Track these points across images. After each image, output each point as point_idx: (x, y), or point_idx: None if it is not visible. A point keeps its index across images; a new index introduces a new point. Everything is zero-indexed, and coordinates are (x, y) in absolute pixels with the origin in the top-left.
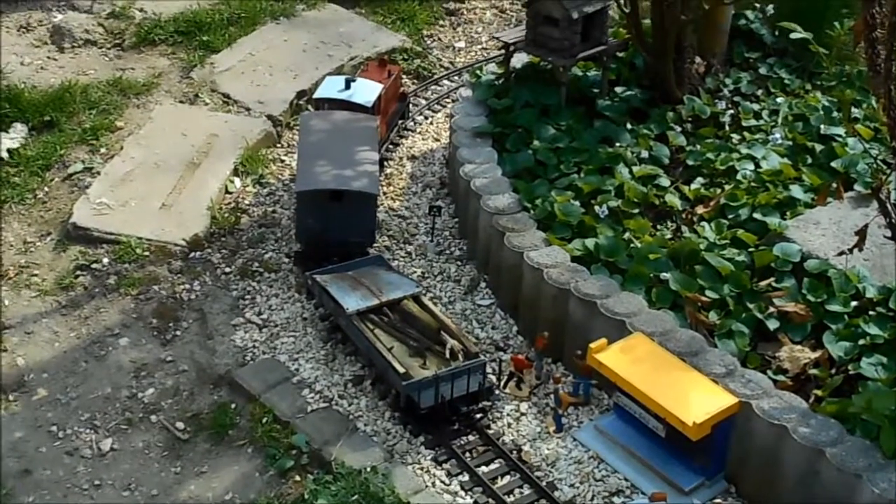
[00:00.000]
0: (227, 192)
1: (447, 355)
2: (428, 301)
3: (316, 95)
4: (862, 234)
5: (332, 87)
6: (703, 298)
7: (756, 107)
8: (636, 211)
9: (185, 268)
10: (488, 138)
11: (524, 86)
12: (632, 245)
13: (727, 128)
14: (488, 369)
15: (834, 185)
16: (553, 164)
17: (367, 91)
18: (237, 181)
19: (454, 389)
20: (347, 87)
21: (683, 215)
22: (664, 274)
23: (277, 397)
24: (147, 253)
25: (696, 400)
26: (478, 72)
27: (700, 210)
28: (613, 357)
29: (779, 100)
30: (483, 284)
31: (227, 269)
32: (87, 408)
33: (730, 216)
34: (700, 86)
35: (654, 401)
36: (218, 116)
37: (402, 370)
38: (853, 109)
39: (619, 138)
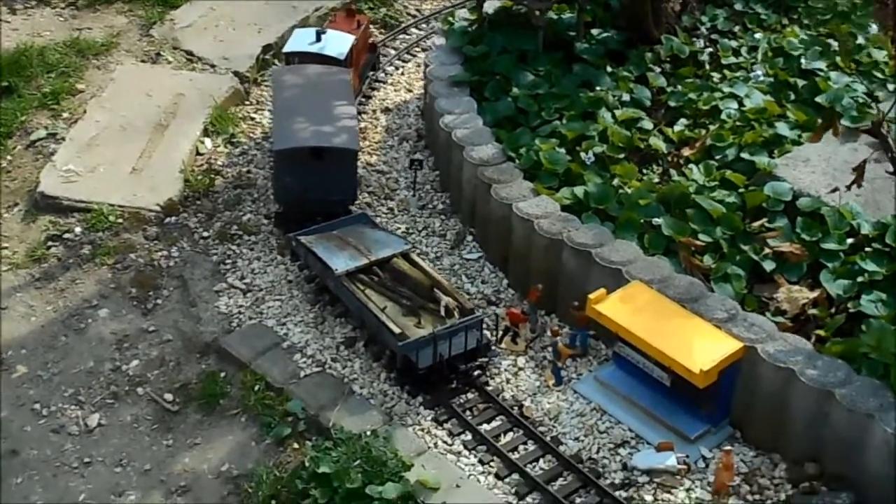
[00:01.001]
0: (198, 153)
1: (442, 313)
2: (418, 258)
3: (286, 49)
4: (860, 170)
5: (302, 40)
6: (697, 242)
7: (734, 44)
8: (622, 156)
9: (162, 234)
10: (466, 87)
11: (499, 31)
12: (621, 191)
13: (707, 66)
14: (484, 325)
15: (821, 120)
16: (534, 111)
17: (338, 43)
18: (208, 142)
19: (452, 347)
20: (318, 39)
21: (669, 158)
22: (656, 219)
23: (268, 363)
24: (120, 220)
25: (701, 347)
26: (450, 18)
27: (686, 152)
28: (613, 307)
29: (757, 35)
30: (469, 238)
31: (205, 234)
32: (71, 383)
33: (717, 157)
34: (676, 24)
35: (659, 350)
36: (182, 75)
37: (397, 330)
38: (831, 42)
39: (599, 82)
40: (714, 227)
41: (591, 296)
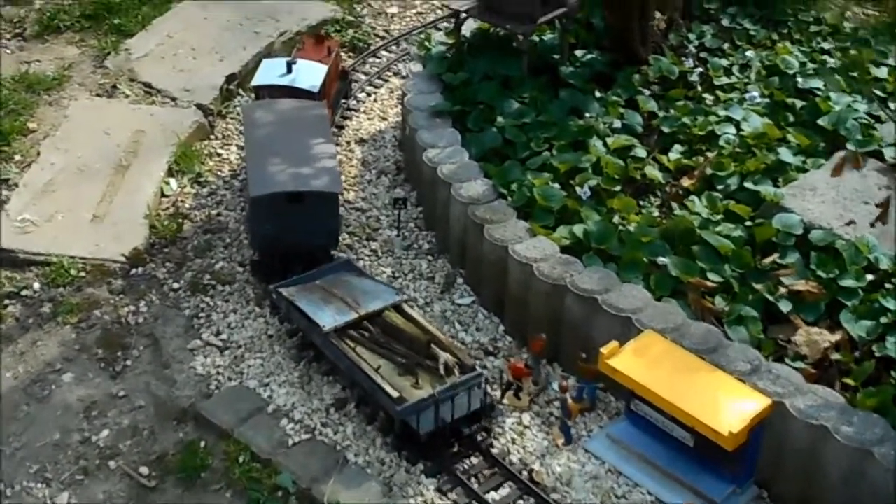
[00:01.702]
0: (163, 195)
1: (441, 371)
2: (411, 309)
3: (255, 83)
4: (885, 206)
5: (271, 72)
6: (708, 283)
7: (725, 62)
8: (618, 188)
9: (128, 287)
10: (447, 117)
11: (479, 56)
12: (622, 228)
13: (698, 88)
14: (486, 379)
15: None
16: (522, 141)
17: (310, 74)
18: (173, 182)
19: (455, 410)
20: (289, 70)
21: (667, 189)
22: (661, 258)
23: (252, 431)
24: (83, 273)
25: (727, 405)
26: (426, 43)
27: (685, 182)
28: (628, 361)
29: (748, 53)
30: (460, 280)
31: (176, 285)
32: (36, 458)
33: (718, 187)
34: (663, 43)
35: (682, 409)
36: (142, 109)
37: (395, 394)
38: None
39: (588, 108)
40: (723, 264)
41: (604, 350)
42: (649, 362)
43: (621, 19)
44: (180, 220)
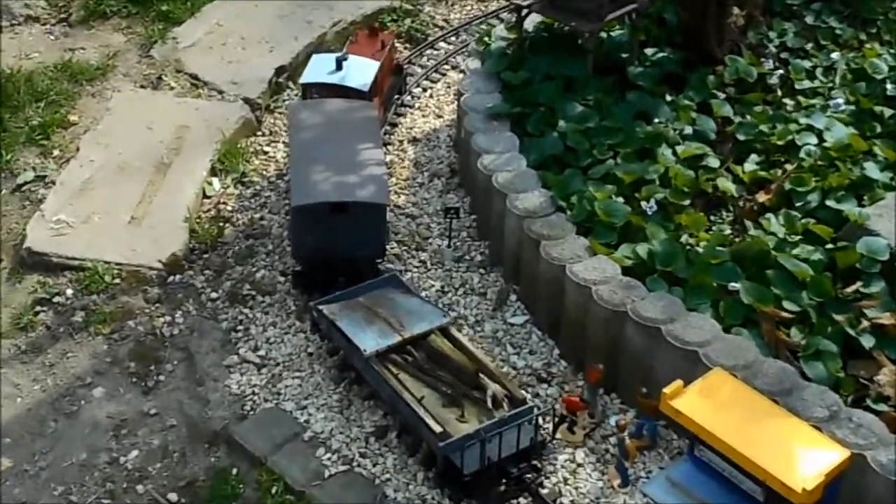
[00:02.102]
0: (205, 196)
1: (489, 404)
2: (459, 334)
3: (303, 80)
4: None
5: (320, 69)
6: (784, 314)
7: (807, 64)
8: (687, 202)
9: (164, 296)
10: (506, 120)
11: (541, 54)
12: (689, 249)
13: (778, 92)
14: (538, 415)
15: None
16: (584, 148)
17: (361, 71)
18: (216, 182)
19: (502, 447)
20: (339, 67)
21: (741, 203)
22: (733, 284)
23: (287, 460)
24: (118, 280)
25: (801, 457)
26: (485, 38)
27: (761, 197)
28: (693, 403)
29: (833, 55)
30: (513, 297)
31: (214, 295)
32: (61, 479)
33: (797, 204)
34: (741, 42)
35: (751, 461)
36: (187, 103)
37: (438, 429)
38: None
39: (657, 112)
40: (800, 291)
41: (667, 390)
42: (716, 405)
43: (696, 15)
44: (221, 224)
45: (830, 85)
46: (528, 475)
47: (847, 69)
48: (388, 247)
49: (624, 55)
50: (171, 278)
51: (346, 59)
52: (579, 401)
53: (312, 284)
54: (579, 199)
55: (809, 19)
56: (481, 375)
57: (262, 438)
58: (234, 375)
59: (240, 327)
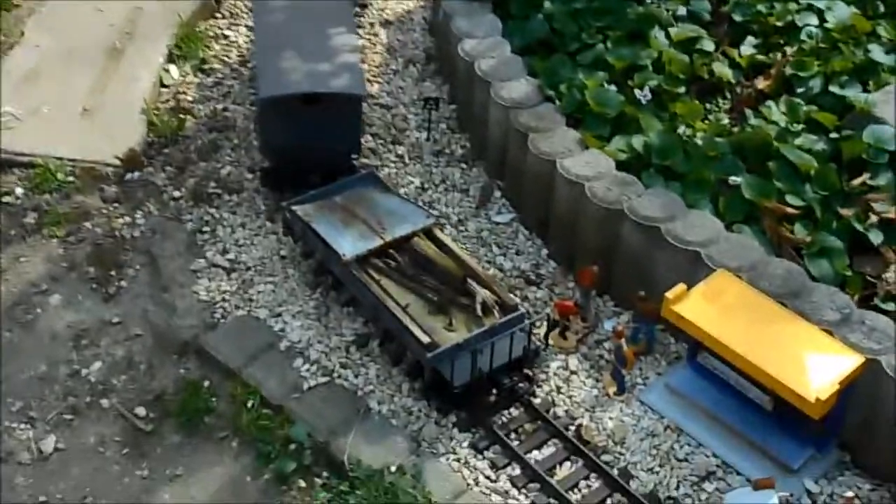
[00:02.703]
0: (162, 85)
1: (478, 311)
2: (444, 236)
3: None
4: None
5: None
6: (788, 209)
7: None
8: (682, 89)
9: (123, 194)
10: (487, 1)
11: None
12: (686, 141)
13: None
14: (530, 323)
15: None
16: (572, 31)
17: None
18: (173, 69)
19: (494, 358)
20: None
21: (738, 90)
22: (733, 178)
23: (263, 371)
24: (71, 178)
25: (813, 364)
26: None
27: (760, 83)
28: (696, 308)
29: None
30: (497, 194)
31: (177, 193)
32: (19, 394)
33: (799, 90)
34: None
35: (761, 369)
36: None
37: (426, 339)
38: None
39: None
40: (803, 184)
41: (669, 294)
42: (722, 310)
43: None
44: (182, 116)
45: None
46: (521, 385)
47: None
48: (362, 140)
49: None
50: (129, 175)
51: None
52: (573, 305)
53: (283, 182)
54: (569, 88)
55: None
56: (469, 281)
57: (235, 349)
58: (201, 281)
59: (206, 228)
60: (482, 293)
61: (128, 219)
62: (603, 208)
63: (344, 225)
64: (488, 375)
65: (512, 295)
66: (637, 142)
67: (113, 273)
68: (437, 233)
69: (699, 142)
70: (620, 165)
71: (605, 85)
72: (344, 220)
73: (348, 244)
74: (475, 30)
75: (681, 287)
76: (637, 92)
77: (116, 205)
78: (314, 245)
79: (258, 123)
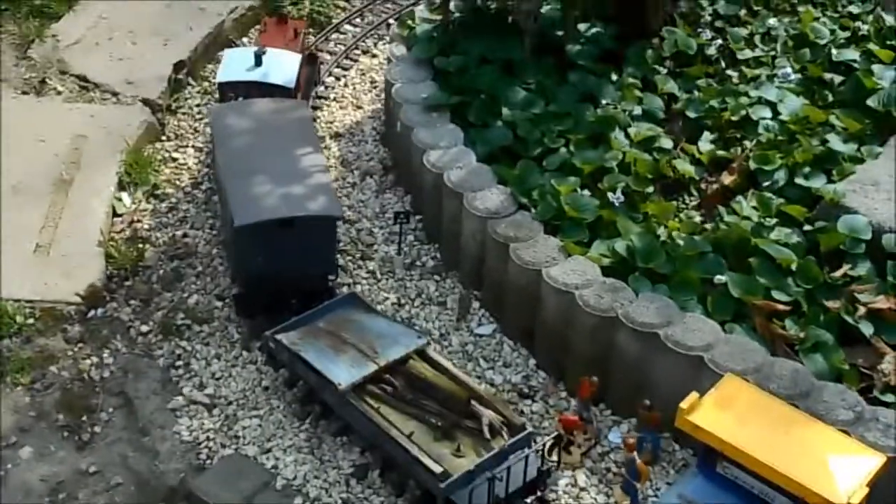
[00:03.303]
0: (115, 214)
1: (485, 433)
2: (439, 356)
3: (220, 79)
4: None
5: (237, 65)
6: (779, 306)
7: (745, 32)
8: (650, 189)
9: (87, 333)
10: (445, 111)
11: (472, 37)
12: (666, 242)
13: (722, 63)
14: (545, 443)
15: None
16: (535, 137)
17: (283, 65)
18: (126, 197)
19: (510, 482)
20: (258, 62)
21: (703, 186)
22: (718, 277)
23: None
24: (31, 320)
25: (838, 468)
26: (409, 21)
27: (726, 179)
28: (712, 416)
29: (770, 21)
30: (475, 304)
31: (144, 328)
32: None
33: (765, 183)
34: (673, 12)
35: (785, 475)
36: (80, 109)
37: (438, 469)
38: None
39: (602, 93)
40: (785, 279)
41: (683, 405)
42: (737, 416)
43: None
44: (140, 245)
45: (773, 53)
46: None
47: (787, 35)
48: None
49: (559, 33)
50: (91, 312)
51: (264, 53)
52: (578, 419)
53: (257, 309)
54: (541, 195)
55: None
56: (473, 402)
57: (228, 491)
58: (182, 420)
59: (179, 363)
60: (487, 414)
61: (95, 359)
62: (596, 316)
63: (334, 351)
64: (505, 502)
65: (518, 415)
66: (620, 246)
67: (85, 419)
68: (431, 353)
69: (680, 242)
70: (604, 271)
71: (578, 190)
72: (333, 345)
73: (342, 372)
74: (438, 140)
75: (693, 396)
76: (610, 195)
77: (82, 345)
78: (304, 374)
79: (233, 251)
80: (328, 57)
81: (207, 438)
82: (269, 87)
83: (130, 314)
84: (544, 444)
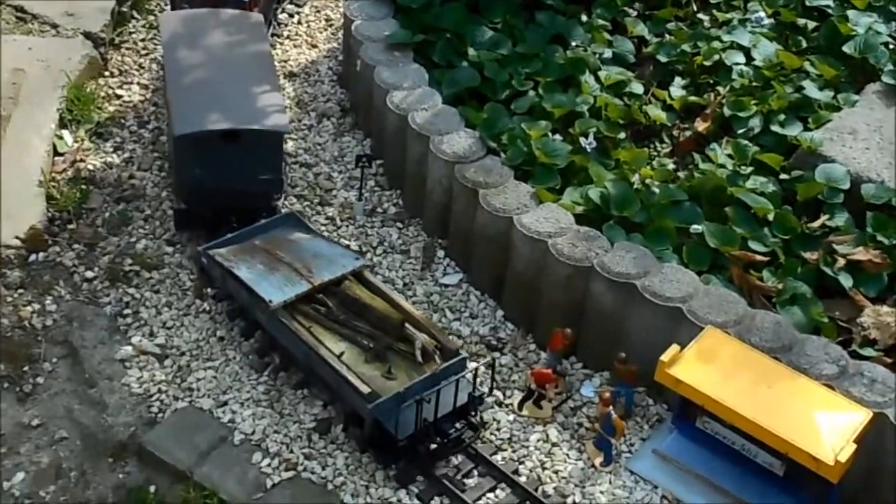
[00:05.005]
0: (56, 153)
1: (418, 357)
2: (374, 278)
3: None
4: None
5: None
6: (756, 257)
7: None
8: (622, 135)
9: (28, 279)
10: (408, 50)
11: None
12: (640, 189)
13: (693, 6)
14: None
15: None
16: (502, 79)
17: None
18: (67, 135)
19: (439, 406)
20: None
21: (676, 133)
22: (695, 226)
23: (218, 470)
24: None
25: (825, 424)
26: None
27: (699, 125)
28: (694, 370)
29: None
30: (440, 253)
31: (89, 274)
32: None
33: (739, 131)
34: None
35: (772, 433)
36: (16, 41)
37: (365, 389)
38: None
39: (572, 34)
40: (762, 229)
41: (664, 357)
42: (720, 370)
43: None
44: (84, 186)
45: None
46: (467, 434)
47: None
48: (288, 202)
49: None
50: (32, 257)
51: None
52: (551, 372)
53: (199, 226)
54: (511, 139)
55: None
56: (407, 325)
57: (182, 446)
58: (131, 371)
59: (127, 311)
60: (421, 338)
61: (37, 306)
62: (570, 265)
63: (268, 269)
64: (435, 425)
65: (453, 338)
66: (594, 193)
67: (27, 369)
68: (368, 275)
69: (655, 190)
70: (577, 219)
71: (550, 135)
72: (267, 263)
73: (275, 290)
74: (401, 80)
75: (674, 349)
76: (582, 140)
77: (22, 291)
78: (235, 292)
79: (174, 163)
80: (275, 6)
81: (159, 391)
82: None
83: (74, 259)
84: (476, 369)
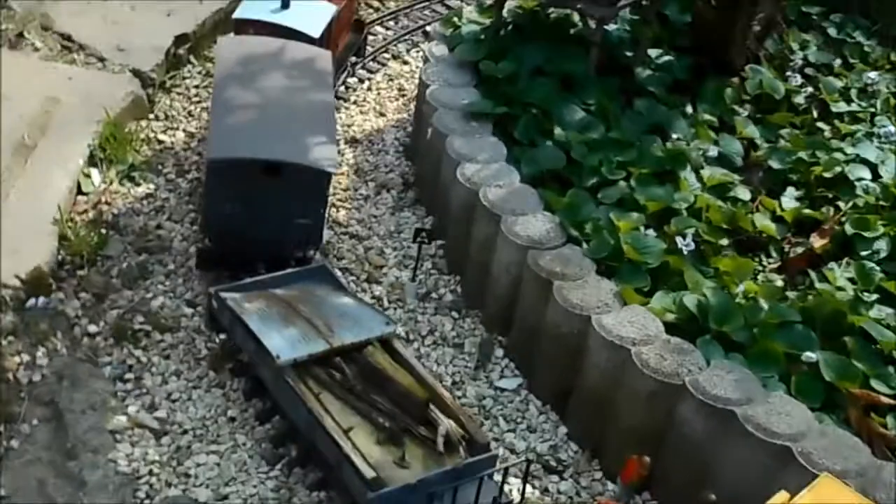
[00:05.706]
0: (80, 192)
1: (439, 446)
2: (404, 348)
3: (238, 15)
4: None
5: (261, 5)
6: (882, 398)
7: (839, 84)
8: (725, 241)
9: (22, 325)
10: (487, 122)
11: (528, 43)
12: (743, 304)
13: (813, 114)
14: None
15: None
16: (591, 165)
17: (313, 13)
18: (96, 174)
19: None
20: (285, 5)
21: (786, 248)
22: (808, 354)
23: None
24: None
25: None
26: (454, 19)
27: (816, 242)
28: None
29: (871, 75)
30: (499, 352)
31: (93, 328)
32: None
33: (862, 252)
34: (758, 51)
35: None
36: (57, 70)
37: (369, 474)
38: None
39: (673, 126)
40: (886, 366)
41: (771, 502)
42: None
43: (725, 15)
44: (104, 231)
45: (872, 109)
46: None
47: (889, 92)
48: (325, 237)
49: (628, 54)
50: (31, 301)
51: None
52: None
53: (221, 265)
54: (596, 229)
55: (832, 32)
56: (432, 407)
57: None
58: (121, 445)
59: (129, 375)
60: (446, 423)
61: (26, 357)
62: (656, 381)
63: (283, 322)
64: None
65: (484, 431)
66: (689, 301)
67: (1, 429)
68: (396, 344)
69: (764, 306)
70: (668, 327)
71: (642, 229)
72: (284, 316)
73: (285, 345)
74: (476, 153)
75: (783, 496)
76: (679, 240)
77: (12, 338)
78: (242, 342)
79: (204, 193)
80: (353, 59)
81: (150, 472)
82: (290, 32)
83: (78, 309)
84: (506, 469)
